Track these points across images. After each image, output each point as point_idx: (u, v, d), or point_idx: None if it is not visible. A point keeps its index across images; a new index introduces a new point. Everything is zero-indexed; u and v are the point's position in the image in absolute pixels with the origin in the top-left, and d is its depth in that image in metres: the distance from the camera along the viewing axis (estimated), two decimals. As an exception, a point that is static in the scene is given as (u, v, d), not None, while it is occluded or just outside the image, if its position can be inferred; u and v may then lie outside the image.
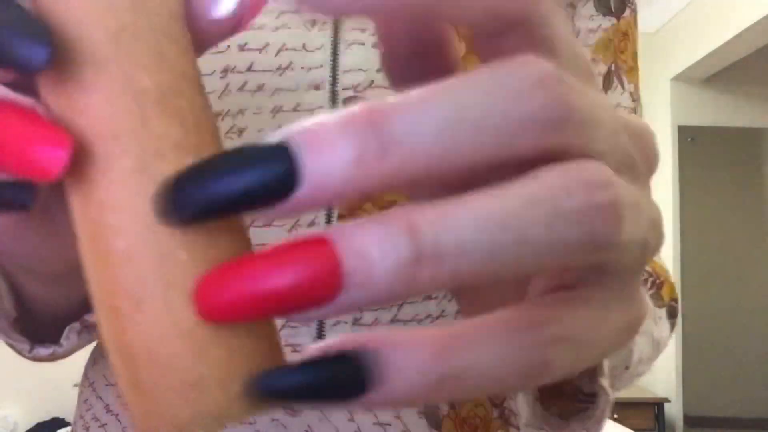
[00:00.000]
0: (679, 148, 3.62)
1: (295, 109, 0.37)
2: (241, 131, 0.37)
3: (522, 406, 0.30)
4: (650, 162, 0.17)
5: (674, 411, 3.51)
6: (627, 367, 0.33)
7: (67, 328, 0.35)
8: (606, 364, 0.28)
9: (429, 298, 0.38)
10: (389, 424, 0.36)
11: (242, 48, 0.38)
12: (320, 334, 0.37)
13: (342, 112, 0.12)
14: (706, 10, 3.30)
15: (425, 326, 0.13)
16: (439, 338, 0.13)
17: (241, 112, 0.37)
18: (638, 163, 0.16)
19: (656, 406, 3.41)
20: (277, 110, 0.37)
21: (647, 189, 0.17)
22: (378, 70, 0.38)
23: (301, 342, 0.36)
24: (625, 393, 3.43)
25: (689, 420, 3.52)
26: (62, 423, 2.92)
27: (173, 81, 0.16)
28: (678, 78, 3.62)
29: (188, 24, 0.17)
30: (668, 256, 3.55)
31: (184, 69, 0.16)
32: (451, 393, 0.13)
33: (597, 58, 0.49)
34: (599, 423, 0.30)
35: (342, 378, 0.12)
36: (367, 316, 0.37)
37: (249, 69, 0.38)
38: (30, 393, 2.97)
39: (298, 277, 0.12)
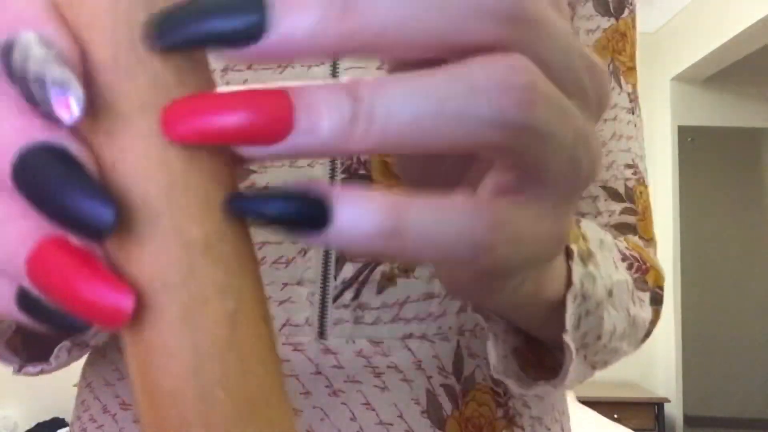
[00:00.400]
0: (679, 148, 3.62)
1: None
2: None
3: (490, 351, 0.32)
4: (600, 97, 0.18)
5: (674, 411, 3.51)
6: (599, 337, 0.33)
7: (58, 346, 0.35)
8: (569, 322, 0.29)
9: (430, 296, 0.38)
10: (391, 424, 0.36)
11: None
12: (322, 333, 0.37)
13: None
14: (706, 10, 3.30)
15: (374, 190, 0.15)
16: (392, 199, 0.15)
17: None
18: (589, 91, 0.17)
19: (656, 406, 3.41)
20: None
21: (593, 122, 0.18)
22: (378, 68, 0.38)
23: (302, 341, 0.36)
24: (625, 393, 3.44)
25: (689, 420, 3.52)
26: (62, 423, 2.92)
27: (219, 227, 0.16)
28: (678, 78, 3.62)
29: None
30: (668, 256, 3.56)
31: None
32: (397, 249, 0.15)
33: None
34: (563, 380, 0.31)
35: (303, 212, 0.15)
36: (368, 316, 0.37)
37: (249, 66, 0.37)
38: (30, 393, 2.97)
39: (256, 114, 0.14)
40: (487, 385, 0.39)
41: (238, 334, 0.16)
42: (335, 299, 0.37)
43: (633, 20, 0.51)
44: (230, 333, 0.16)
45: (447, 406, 0.38)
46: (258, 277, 0.17)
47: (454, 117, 0.14)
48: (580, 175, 0.18)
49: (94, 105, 0.16)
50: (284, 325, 0.37)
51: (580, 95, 0.17)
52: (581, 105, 0.17)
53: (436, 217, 0.15)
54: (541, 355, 0.36)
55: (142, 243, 0.16)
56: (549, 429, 0.43)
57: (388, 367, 0.37)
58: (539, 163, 0.17)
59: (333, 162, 0.37)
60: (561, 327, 0.30)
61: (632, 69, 0.51)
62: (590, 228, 0.35)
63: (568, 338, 0.30)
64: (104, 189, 0.15)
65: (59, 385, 2.87)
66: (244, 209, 0.15)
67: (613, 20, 0.50)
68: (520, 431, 0.40)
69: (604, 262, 0.34)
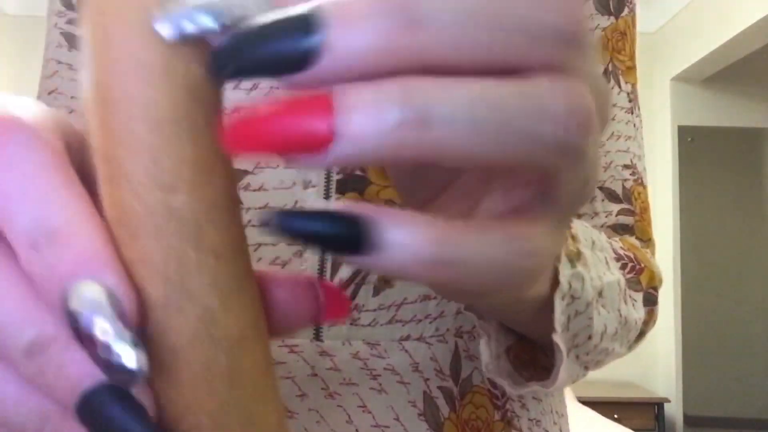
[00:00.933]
0: (679, 148, 3.62)
1: None
2: None
3: (482, 349, 0.32)
4: (604, 120, 0.18)
5: (674, 411, 3.51)
6: (590, 337, 0.33)
7: None
8: (558, 322, 0.29)
9: (428, 298, 0.38)
10: (388, 427, 0.36)
11: (236, 86, 0.38)
12: (317, 335, 0.36)
13: None
14: (706, 10, 3.30)
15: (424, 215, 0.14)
16: (439, 226, 0.14)
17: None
18: (601, 111, 0.17)
19: (656, 406, 3.41)
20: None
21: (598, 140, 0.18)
22: None
23: (298, 342, 0.36)
24: (625, 393, 3.43)
25: (689, 420, 3.52)
26: (61, 423, 2.92)
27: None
28: (678, 78, 3.62)
29: (270, 314, 0.19)
30: (668, 256, 3.55)
31: (271, 424, 0.18)
32: (440, 276, 0.14)
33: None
34: (554, 381, 0.31)
35: (344, 234, 0.14)
36: (365, 317, 0.37)
37: None
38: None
39: (296, 123, 0.13)
40: (484, 388, 0.39)
41: None
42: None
43: (633, 19, 0.51)
44: None
45: (444, 408, 0.37)
46: (277, 392, 0.19)
47: (519, 134, 0.14)
48: (586, 193, 0.18)
49: (147, 341, 0.16)
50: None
51: (597, 114, 0.17)
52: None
53: (479, 246, 0.15)
54: (535, 354, 0.36)
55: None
56: (547, 431, 0.42)
57: (385, 369, 0.37)
58: (563, 183, 0.16)
59: None
60: (551, 327, 0.30)
61: (632, 69, 0.50)
62: (582, 228, 0.35)
63: (558, 339, 0.30)
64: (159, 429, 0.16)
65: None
66: (289, 228, 0.14)
67: (612, 19, 0.49)
68: (517, 434, 0.40)
69: (594, 262, 0.34)
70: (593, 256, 0.34)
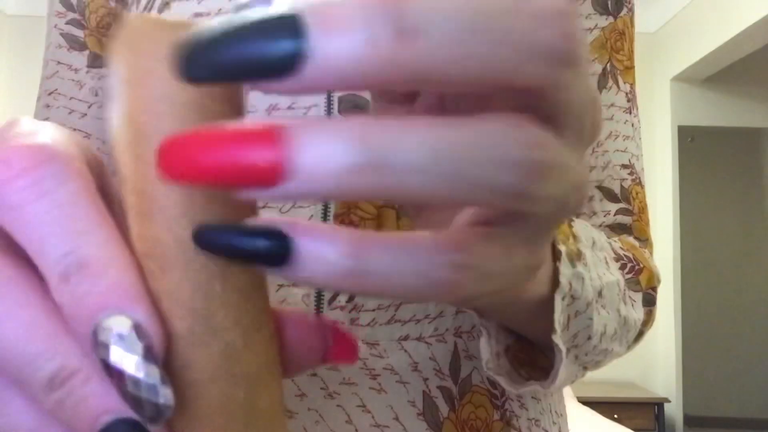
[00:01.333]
0: (679, 148, 3.62)
1: (290, 107, 0.37)
2: None
3: (482, 347, 0.32)
4: (594, 132, 0.18)
5: (674, 411, 3.51)
6: (589, 337, 0.33)
7: None
8: (558, 322, 0.29)
9: (427, 298, 0.38)
10: (387, 426, 0.36)
11: None
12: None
13: None
14: (706, 10, 3.30)
15: (338, 227, 0.14)
16: (355, 237, 0.14)
17: None
18: (586, 127, 0.17)
19: (656, 406, 3.40)
20: (272, 108, 0.37)
21: (583, 152, 0.18)
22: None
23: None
24: (625, 393, 3.43)
25: (689, 420, 3.52)
26: (62, 423, 2.92)
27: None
28: (678, 78, 3.62)
29: (283, 352, 0.19)
30: (668, 256, 3.55)
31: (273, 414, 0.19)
32: (358, 287, 0.14)
33: (592, 58, 0.49)
34: (553, 381, 0.31)
35: (266, 247, 0.14)
36: (364, 317, 0.37)
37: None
38: (29, 393, 2.97)
39: (246, 156, 0.12)
40: (484, 387, 0.39)
41: None
42: (330, 301, 0.37)
43: (631, 18, 0.51)
44: None
45: (443, 408, 0.37)
46: None
47: (474, 182, 0.14)
48: (566, 211, 0.17)
49: (169, 372, 0.16)
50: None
51: (579, 132, 0.17)
52: (576, 140, 0.17)
53: (396, 258, 0.14)
54: (534, 355, 0.36)
55: None
56: (546, 431, 0.42)
57: (384, 368, 0.37)
58: (529, 211, 0.16)
59: None
60: (551, 327, 0.30)
61: (630, 68, 0.50)
62: (582, 228, 0.35)
63: (558, 339, 0.30)
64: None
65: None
66: (212, 244, 0.14)
67: (611, 18, 0.49)
68: (516, 433, 0.40)
69: (594, 262, 0.34)
70: (593, 256, 0.34)
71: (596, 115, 0.17)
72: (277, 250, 0.14)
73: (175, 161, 0.13)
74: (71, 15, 0.48)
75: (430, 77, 0.13)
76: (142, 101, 0.16)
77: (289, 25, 0.12)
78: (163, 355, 0.16)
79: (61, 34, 0.48)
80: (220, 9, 0.38)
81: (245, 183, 0.13)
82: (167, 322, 0.16)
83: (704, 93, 3.66)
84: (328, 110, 0.37)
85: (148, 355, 0.15)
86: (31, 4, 3.59)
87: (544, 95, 0.15)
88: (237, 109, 0.17)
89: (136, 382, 0.15)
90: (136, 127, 0.16)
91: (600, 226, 0.47)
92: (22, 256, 0.17)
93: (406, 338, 0.37)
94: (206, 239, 0.14)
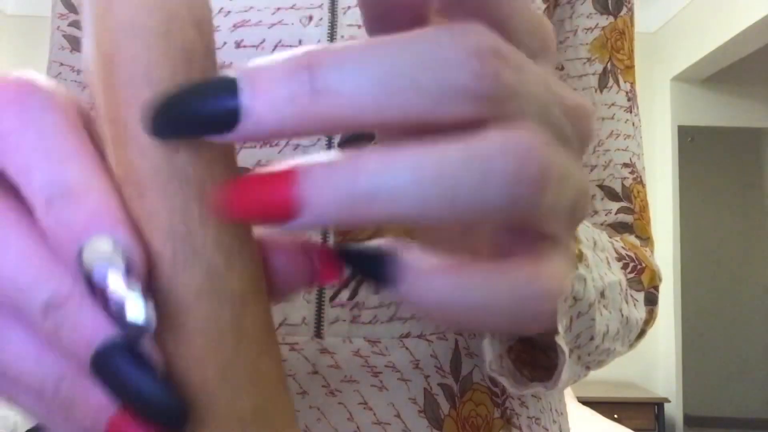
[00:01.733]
0: (679, 148, 3.62)
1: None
2: None
3: (486, 348, 0.32)
4: (583, 135, 0.18)
5: (674, 411, 3.51)
6: (592, 337, 0.34)
7: None
8: (561, 324, 0.30)
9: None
10: (389, 424, 0.36)
11: (239, 45, 0.38)
12: (318, 333, 0.37)
13: (286, 55, 0.14)
14: (706, 10, 3.30)
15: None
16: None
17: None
18: (571, 135, 0.17)
19: (656, 406, 3.40)
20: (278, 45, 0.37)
21: (579, 160, 0.18)
22: None
23: (299, 340, 0.36)
24: (625, 393, 3.43)
25: (689, 420, 3.52)
26: (62, 423, 2.92)
27: (268, 395, 0.19)
28: (678, 78, 3.62)
29: (268, 278, 0.20)
30: (668, 256, 3.55)
31: (274, 378, 0.19)
32: (453, 318, 0.15)
33: (593, 57, 0.49)
34: (556, 383, 0.31)
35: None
36: (365, 315, 0.37)
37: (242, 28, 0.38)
38: (30, 393, 2.97)
39: (268, 195, 0.15)
40: (484, 385, 0.39)
41: None
42: (332, 298, 0.37)
43: (631, 18, 0.51)
44: None
45: (444, 405, 0.37)
46: (287, 394, 0.20)
47: (467, 198, 0.14)
48: (576, 218, 0.18)
49: (155, 296, 0.17)
50: (281, 324, 0.37)
51: (563, 141, 0.17)
52: (566, 147, 0.17)
53: (496, 291, 0.15)
54: (536, 354, 0.36)
55: (202, 419, 0.18)
56: (547, 429, 0.43)
57: (386, 366, 0.37)
58: (538, 224, 0.17)
59: None
60: (553, 328, 0.30)
61: (630, 68, 0.51)
62: (583, 228, 0.35)
63: (561, 341, 0.30)
64: (171, 384, 0.16)
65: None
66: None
67: (611, 18, 0.50)
68: (517, 431, 0.40)
69: (596, 262, 0.34)
70: (594, 257, 0.34)
71: (579, 119, 0.18)
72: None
73: (226, 205, 0.15)
74: (73, 17, 0.48)
75: (349, 125, 0.14)
76: (109, 30, 0.16)
77: (227, 88, 0.14)
78: (146, 276, 0.16)
79: (64, 36, 0.48)
80: (221, 8, 0.39)
81: (270, 220, 0.15)
82: (149, 245, 0.17)
83: (704, 93, 3.67)
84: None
85: (131, 273, 0.16)
86: (31, 4, 3.59)
87: (493, 118, 0.15)
88: (205, 36, 0.17)
89: (118, 299, 0.15)
90: (105, 56, 0.17)
91: (602, 224, 0.47)
92: (9, 187, 0.17)
93: (407, 336, 0.37)
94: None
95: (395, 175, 0.14)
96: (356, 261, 0.16)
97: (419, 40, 0.14)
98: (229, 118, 0.14)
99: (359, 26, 0.38)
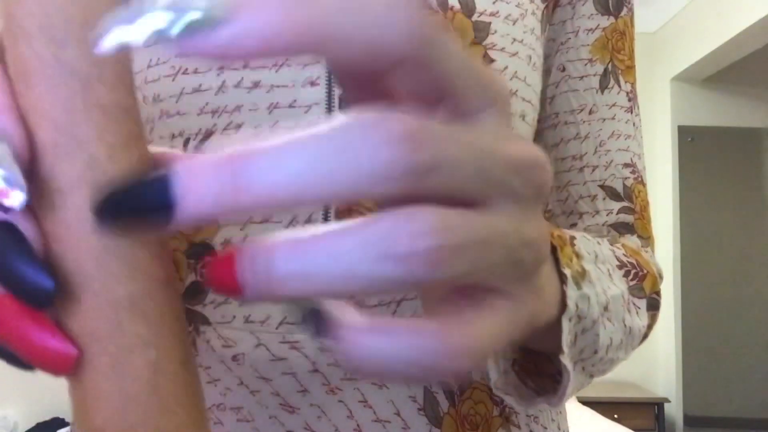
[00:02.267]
0: (679, 148, 3.62)
1: (291, 106, 0.37)
2: (238, 127, 0.37)
3: (490, 367, 0.32)
4: (537, 188, 0.19)
5: (674, 411, 3.51)
6: (596, 351, 0.34)
7: None
8: (565, 343, 0.30)
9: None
10: (389, 422, 0.36)
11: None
12: (319, 332, 0.37)
13: (214, 155, 0.16)
14: (706, 11, 3.30)
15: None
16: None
17: (237, 108, 0.37)
18: (519, 189, 0.18)
19: (656, 406, 3.41)
20: (273, 107, 0.37)
21: (530, 212, 0.19)
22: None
23: (299, 339, 0.36)
24: (625, 393, 3.43)
25: (689, 420, 3.52)
26: (62, 423, 2.92)
27: (144, 286, 0.19)
28: (678, 78, 3.62)
29: None
30: (668, 256, 3.56)
31: (153, 272, 0.20)
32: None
33: (594, 58, 0.49)
34: (561, 399, 0.31)
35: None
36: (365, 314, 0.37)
37: (245, 66, 0.38)
38: (30, 393, 2.97)
39: (221, 275, 0.16)
40: (483, 383, 0.39)
41: (160, 380, 0.19)
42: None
43: (631, 18, 0.52)
44: (152, 379, 0.19)
45: (444, 403, 0.38)
46: (181, 328, 0.21)
47: (363, 278, 0.15)
48: (527, 270, 0.19)
49: (38, 182, 0.18)
50: (281, 323, 0.37)
51: (509, 194, 0.18)
52: (512, 201, 0.18)
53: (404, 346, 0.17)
54: (539, 363, 0.36)
55: (77, 301, 0.18)
56: (545, 428, 0.43)
57: (386, 365, 0.37)
58: (477, 283, 0.18)
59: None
60: (558, 343, 0.30)
61: (631, 68, 0.51)
62: (584, 243, 0.36)
63: (566, 359, 0.30)
64: (44, 263, 0.17)
65: (59, 385, 2.86)
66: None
67: (612, 19, 0.50)
68: (516, 429, 0.40)
69: (598, 276, 0.34)
70: (597, 271, 0.35)
71: (528, 172, 0.18)
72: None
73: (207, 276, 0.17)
74: None
75: (272, 210, 0.16)
76: None
77: (162, 188, 0.16)
78: (28, 161, 0.17)
79: None
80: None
81: (229, 296, 0.17)
82: (34, 134, 0.18)
83: (704, 93, 3.67)
84: (329, 107, 0.38)
85: (12, 154, 0.17)
86: None
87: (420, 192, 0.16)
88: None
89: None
90: None
91: (603, 224, 0.48)
92: None
93: (407, 334, 0.37)
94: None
95: (303, 256, 0.16)
96: (305, 315, 0.17)
97: (333, 134, 0.15)
98: (164, 213, 0.16)
99: None
